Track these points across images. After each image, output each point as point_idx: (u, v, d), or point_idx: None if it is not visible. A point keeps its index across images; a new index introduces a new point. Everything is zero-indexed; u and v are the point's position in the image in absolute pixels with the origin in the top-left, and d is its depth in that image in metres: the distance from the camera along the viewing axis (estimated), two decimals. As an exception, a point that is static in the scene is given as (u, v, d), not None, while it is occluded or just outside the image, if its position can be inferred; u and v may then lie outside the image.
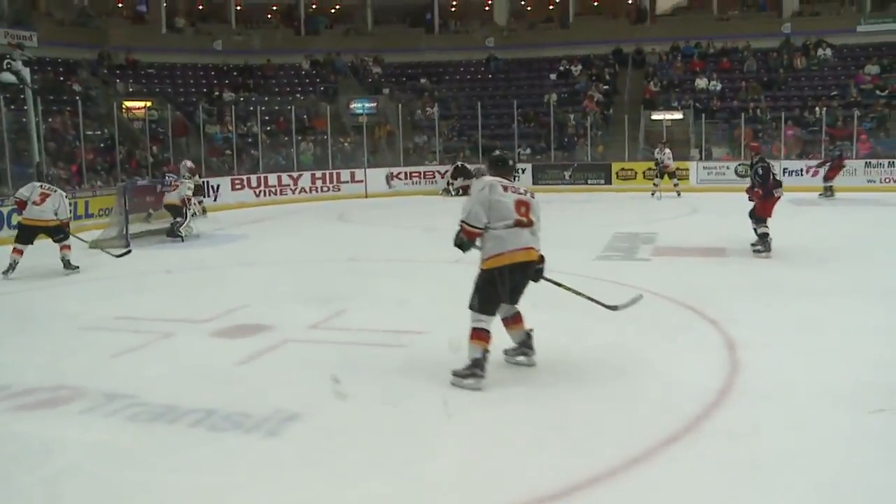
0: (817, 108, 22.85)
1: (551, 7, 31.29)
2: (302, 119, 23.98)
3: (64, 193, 10.45)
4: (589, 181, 22.61)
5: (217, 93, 25.70)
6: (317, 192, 21.22)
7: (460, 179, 20.83)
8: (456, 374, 4.99)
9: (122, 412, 4.69)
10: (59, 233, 10.18)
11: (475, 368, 4.92)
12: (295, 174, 21.37)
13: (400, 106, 24.62)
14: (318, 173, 21.70)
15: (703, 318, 6.59)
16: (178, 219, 13.14)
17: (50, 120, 18.69)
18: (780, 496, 3.54)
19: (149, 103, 22.86)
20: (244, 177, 20.58)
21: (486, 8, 31.60)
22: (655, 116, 23.88)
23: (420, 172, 22.92)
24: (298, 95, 26.43)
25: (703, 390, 4.80)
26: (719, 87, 25.38)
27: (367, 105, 26.06)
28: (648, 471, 3.78)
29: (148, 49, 26.22)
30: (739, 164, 20.38)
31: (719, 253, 10.18)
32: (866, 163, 20.65)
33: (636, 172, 22.39)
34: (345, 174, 22.07)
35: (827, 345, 5.81)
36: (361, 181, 22.00)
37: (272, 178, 20.85)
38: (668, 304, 7.21)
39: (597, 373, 5.25)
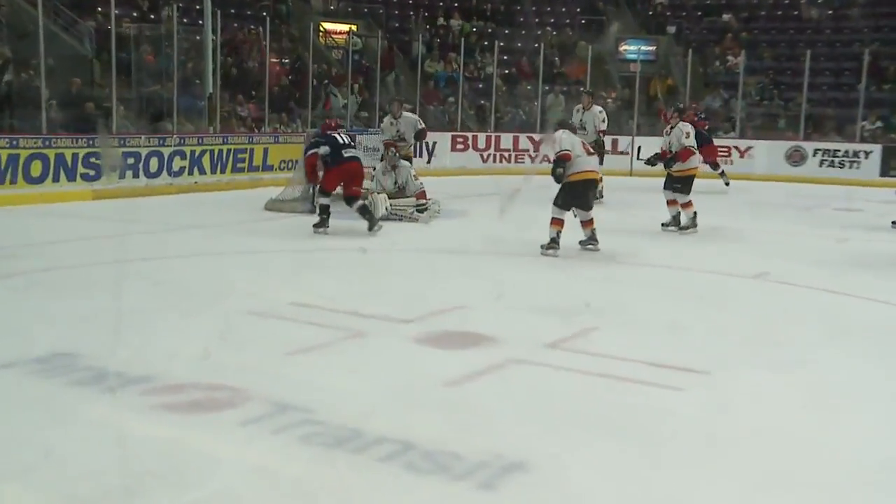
0: None
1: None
2: (552, 62, 24.07)
3: None
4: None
5: (443, 20, 26.24)
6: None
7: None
8: (542, 246, 10.40)
9: (293, 430, 4.86)
10: None
11: (553, 243, 10.34)
12: (537, 135, 21.48)
13: (690, 52, 24.05)
14: (569, 137, 21.72)
15: None
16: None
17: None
18: None
19: (354, 27, 23.80)
20: (469, 134, 20.95)
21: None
22: None
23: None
24: (550, 29, 26.55)
25: None
26: None
27: (643, 48, 25.76)
28: None
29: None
30: None
31: None
32: None
33: None
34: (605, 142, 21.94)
35: None
36: (625, 153, 21.72)
37: (506, 139, 21.07)
38: None
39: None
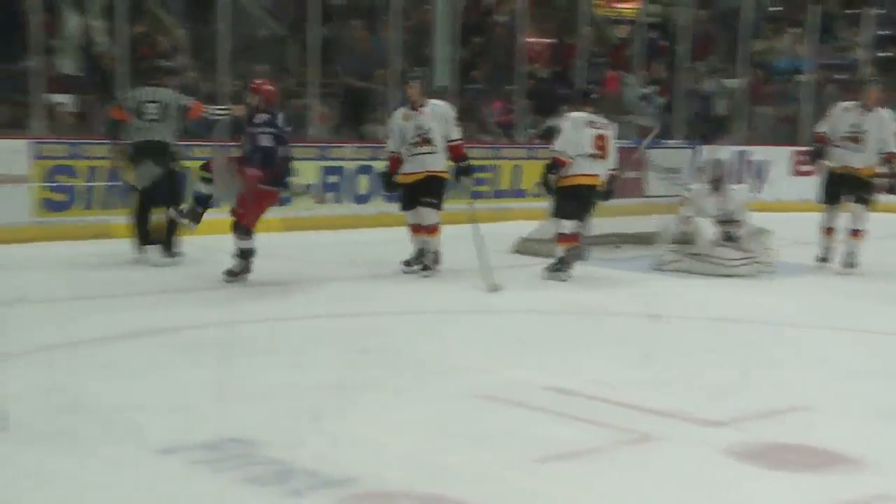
0: None
1: None
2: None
3: None
4: None
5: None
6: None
7: None
8: (547, 269, 11.74)
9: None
10: None
11: (562, 264, 11.67)
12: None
13: None
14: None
15: None
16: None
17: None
18: None
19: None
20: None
21: None
22: None
23: None
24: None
25: None
26: None
27: None
28: None
29: None
30: None
31: None
32: None
33: None
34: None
35: None
36: None
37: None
38: None
39: None
